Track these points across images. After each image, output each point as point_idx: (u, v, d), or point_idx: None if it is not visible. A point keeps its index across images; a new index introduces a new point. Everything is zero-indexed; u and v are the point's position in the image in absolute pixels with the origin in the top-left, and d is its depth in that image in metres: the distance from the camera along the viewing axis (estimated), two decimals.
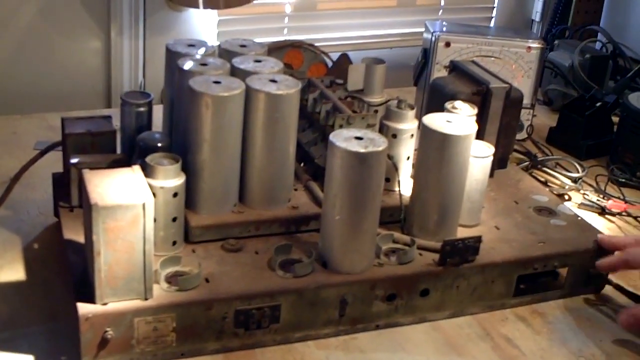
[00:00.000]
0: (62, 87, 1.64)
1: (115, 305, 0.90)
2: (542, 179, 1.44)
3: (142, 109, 1.11)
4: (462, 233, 1.10)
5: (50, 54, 1.62)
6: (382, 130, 1.13)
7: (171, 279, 0.95)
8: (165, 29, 1.69)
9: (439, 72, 1.51)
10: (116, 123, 1.12)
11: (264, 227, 1.06)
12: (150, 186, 0.93)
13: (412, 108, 1.14)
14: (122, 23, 1.64)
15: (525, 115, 1.55)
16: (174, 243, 1.01)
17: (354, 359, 0.98)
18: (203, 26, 1.73)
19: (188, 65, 1.06)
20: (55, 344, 0.95)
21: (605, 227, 1.32)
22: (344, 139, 0.96)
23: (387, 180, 1.11)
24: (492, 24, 2.09)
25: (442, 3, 2.01)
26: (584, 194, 1.41)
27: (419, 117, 1.12)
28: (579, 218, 1.20)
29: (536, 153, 1.54)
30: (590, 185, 1.45)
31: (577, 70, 1.75)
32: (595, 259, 1.10)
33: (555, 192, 1.37)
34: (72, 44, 1.64)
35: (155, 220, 0.93)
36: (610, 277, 1.15)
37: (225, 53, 1.15)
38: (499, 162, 1.28)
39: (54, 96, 1.63)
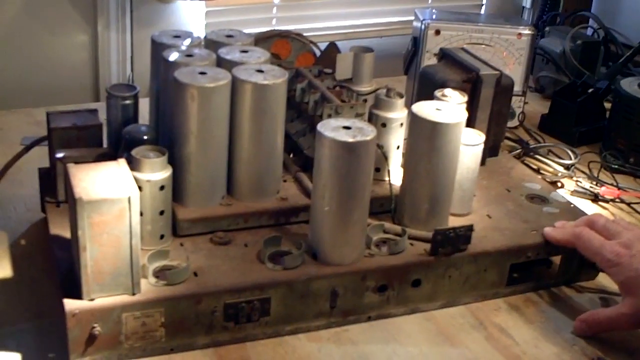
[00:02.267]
0: (49, 81, 1.63)
1: (102, 301, 0.89)
2: (535, 167, 1.43)
3: (128, 101, 1.09)
4: (453, 222, 1.09)
5: (36, 48, 1.61)
6: (372, 119, 1.12)
7: (159, 273, 0.94)
8: (152, 21, 1.67)
9: (429, 60, 1.50)
10: (103, 117, 1.11)
11: (253, 219, 1.05)
12: (137, 179, 0.92)
13: (402, 96, 1.13)
14: (108, 16, 1.62)
15: (516, 103, 1.54)
16: (162, 237, 1.00)
17: (345, 351, 0.97)
18: (191, 18, 1.72)
19: (173, 56, 1.05)
20: (43, 341, 0.94)
21: None
22: (332, 128, 0.95)
23: (377, 169, 1.10)
24: (482, 11, 2.08)
25: None
26: (577, 181, 1.40)
27: (409, 105, 1.11)
28: (572, 205, 1.20)
29: (528, 140, 1.53)
30: (583, 172, 1.44)
31: (568, 57, 1.74)
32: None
33: (547, 180, 1.36)
34: (59, 38, 1.62)
35: (142, 214, 0.92)
36: None
37: (211, 44, 1.13)
38: (491, 150, 1.27)
39: (41, 91, 1.61)
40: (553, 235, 1.08)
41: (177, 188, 1.01)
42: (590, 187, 1.38)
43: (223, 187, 1.06)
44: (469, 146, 1.10)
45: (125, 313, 0.89)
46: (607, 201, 1.36)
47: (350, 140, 0.93)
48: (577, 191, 1.37)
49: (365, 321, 1.02)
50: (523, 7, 2.13)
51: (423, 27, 1.51)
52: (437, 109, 1.05)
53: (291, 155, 1.16)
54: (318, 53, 1.55)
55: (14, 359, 0.92)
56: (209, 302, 0.93)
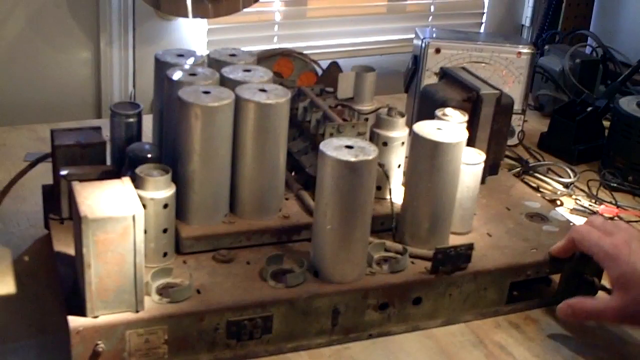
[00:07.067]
0: (52, 98, 1.64)
1: (106, 318, 0.89)
2: (534, 185, 1.44)
3: (131, 119, 1.10)
4: (454, 240, 1.09)
5: (39, 65, 1.62)
6: (373, 138, 1.13)
7: (162, 291, 0.95)
8: (154, 38, 1.68)
9: (429, 78, 1.51)
10: (106, 134, 1.11)
11: (255, 237, 1.06)
12: (141, 197, 0.93)
13: (403, 116, 1.14)
14: (111, 33, 1.63)
15: (516, 121, 1.55)
16: (165, 254, 1.01)
17: None
18: (193, 35, 1.73)
19: (177, 75, 1.06)
20: (46, 358, 0.95)
21: None
22: (334, 147, 0.96)
23: (379, 188, 1.11)
24: (482, 29, 2.10)
25: (432, 9, 2.02)
26: (576, 199, 1.41)
27: (409, 124, 1.12)
28: (571, 224, 1.20)
29: (528, 159, 1.54)
30: (582, 191, 1.45)
31: (567, 75, 1.75)
32: (586, 265, 1.10)
33: (547, 198, 1.37)
34: (62, 55, 1.63)
35: (145, 231, 0.92)
36: (603, 281, 1.14)
37: (214, 62, 1.14)
38: (491, 169, 1.28)
39: (44, 107, 1.62)
40: (556, 247, 1.09)
41: (180, 206, 1.02)
42: (590, 205, 1.39)
43: (226, 205, 1.07)
44: (469, 165, 1.10)
45: (128, 330, 0.90)
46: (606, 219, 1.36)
47: (353, 159, 0.94)
48: (576, 209, 1.38)
49: (367, 339, 1.02)
50: (522, 25, 2.14)
51: (423, 45, 1.53)
52: (438, 128, 1.06)
53: (293, 174, 1.17)
54: (320, 72, 1.56)
55: None
56: (212, 319, 0.93)
